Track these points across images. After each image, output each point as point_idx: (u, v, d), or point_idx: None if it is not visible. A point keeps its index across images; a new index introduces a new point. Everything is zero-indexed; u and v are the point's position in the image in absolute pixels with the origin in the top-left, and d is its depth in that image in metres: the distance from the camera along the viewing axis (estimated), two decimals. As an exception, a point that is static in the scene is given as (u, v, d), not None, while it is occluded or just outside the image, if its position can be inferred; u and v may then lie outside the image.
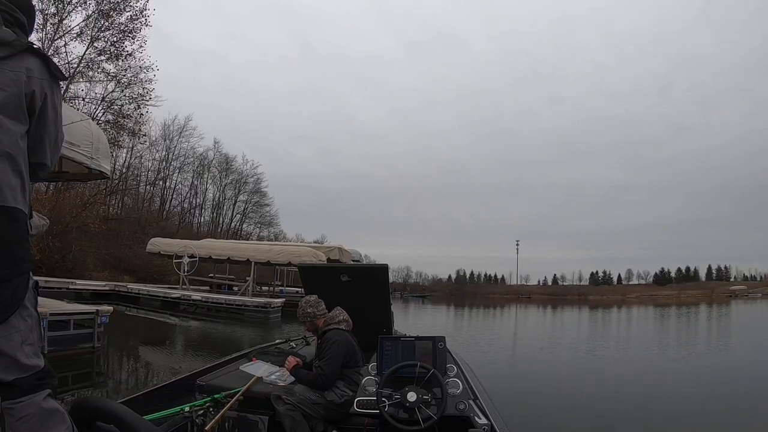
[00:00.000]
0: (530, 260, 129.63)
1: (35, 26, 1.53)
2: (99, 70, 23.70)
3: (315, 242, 38.57)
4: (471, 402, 2.47)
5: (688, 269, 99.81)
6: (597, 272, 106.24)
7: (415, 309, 34.41)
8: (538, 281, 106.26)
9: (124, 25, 22.97)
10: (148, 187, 37.51)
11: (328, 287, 3.60)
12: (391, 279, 4.07)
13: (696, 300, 62.40)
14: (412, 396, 2.35)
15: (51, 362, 1.34)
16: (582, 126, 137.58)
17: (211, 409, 2.65)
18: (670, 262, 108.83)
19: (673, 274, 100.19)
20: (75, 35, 22.15)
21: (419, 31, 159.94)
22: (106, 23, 22.69)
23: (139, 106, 25.10)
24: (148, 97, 24.97)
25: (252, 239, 40.19)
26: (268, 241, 36.44)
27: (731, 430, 5.35)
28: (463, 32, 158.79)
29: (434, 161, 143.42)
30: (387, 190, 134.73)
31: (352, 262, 18.20)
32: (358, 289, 3.70)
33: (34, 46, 1.29)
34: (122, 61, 23.67)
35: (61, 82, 1.39)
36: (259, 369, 3.26)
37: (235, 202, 47.75)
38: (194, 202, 44.32)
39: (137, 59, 23.87)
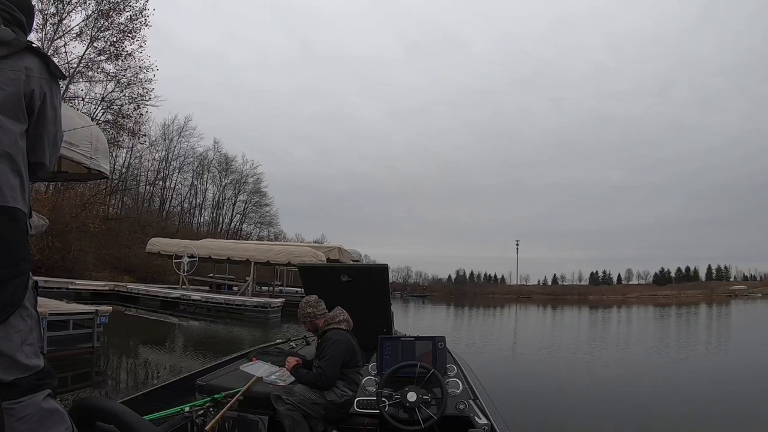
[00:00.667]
0: (530, 260, 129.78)
1: (34, 26, 1.53)
2: (99, 70, 23.73)
3: (315, 242, 38.51)
4: (471, 402, 2.46)
5: (688, 269, 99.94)
6: (597, 272, 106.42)
7: (415, 309, 34.41)
8: (538, 281, 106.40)
9: (123, 25, 23.00)
10: (147, 187, 37.55)
11: (328, 287, 3.60)
12: (391, 279, 4.07)
13: (696, 300, 62.42)
14: (412, 396, 2.35)
15: (50, 362, 1.34)
16: (582, 126, 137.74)
17: (211, 409, 2.65)
18: (670, 262, 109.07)
19: (673, 274, 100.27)
20: (74, 35, 22.17)
21: (419, 31, 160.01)
22: (106, 23, 22.70)
23: (138, 106, 25.13)
24: (147, 97, 25.00)
25: (252, 239, 40.17)
26: (267, 241, 36.43)
27: (731, 430, 5.35)
28: (463, 32, 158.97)
29: (434, 161, 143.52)
30: (387, 190, 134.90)
31: (351, 262, 18.21)
32: (358, 289, 3.70)
33: (34, 46, 1.29)
34: (122, 61, 23.70)
35: (60, 82, 1.38)
36: (259, 369, 3.26)
37: (235, 202, 47.85)
38: (194, 202, 44.41)
39: (137, 59, 23.91)
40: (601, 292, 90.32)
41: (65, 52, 21.94)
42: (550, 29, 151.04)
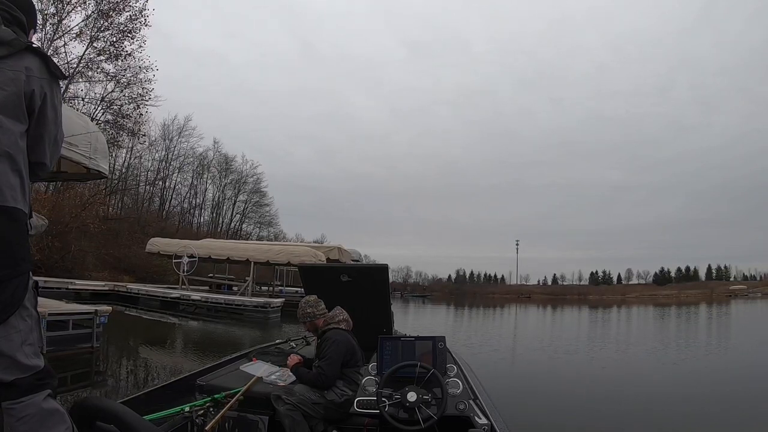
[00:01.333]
0: (530, 260, 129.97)
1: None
2: (98, 70, 23.76)
3: (315, 242, 38.55)
4: (471, 402, 2.46)
5: (688, 269, 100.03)
6: (597, 272, 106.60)
7: (415, 309, 34.40)
8: (538, 281, 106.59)
9: (123, 25, 23.03)
10: (147, 187, 37.54)
11: (328, 287, 3.60)
12: (391, 279, 4.06)
13: (696, 300, 62.44)
14: (412, 396, 2.34)
15: (49, 362, 1.33)
16: (582, 126, 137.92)
17: (211, 409, 2.65)
18: (670, 261, 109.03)
19: (673, 274, 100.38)
20: (74, 35, 22.20)
21: (420, 31, 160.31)
22: (106, 23, 22.72)
23: (138, 106, 25.14)
24: (147, 97, 25.02)
25: (252, 239, 40.15)
26: (267, 241, 36.43)
27: (731, 430, 5.35)
28: (463, 32, 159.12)
29: (434, 161, 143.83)
30: (387, 190, 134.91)
31: (351, 262, 18.20)
32: (358, 289, 3.70)
33: (34, 46, 1.29)
34: (122, 61, 23.72)
35: (60, 82, 1.38)
36: (259, 369, 3.26)
37: (235, 202, 47.84)
38: (194, 202, 44.40)
39: (137, 59, 23.93)
40: (601, 292, 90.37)
41: (65, 52, 22.00)
42: (550, 29, 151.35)
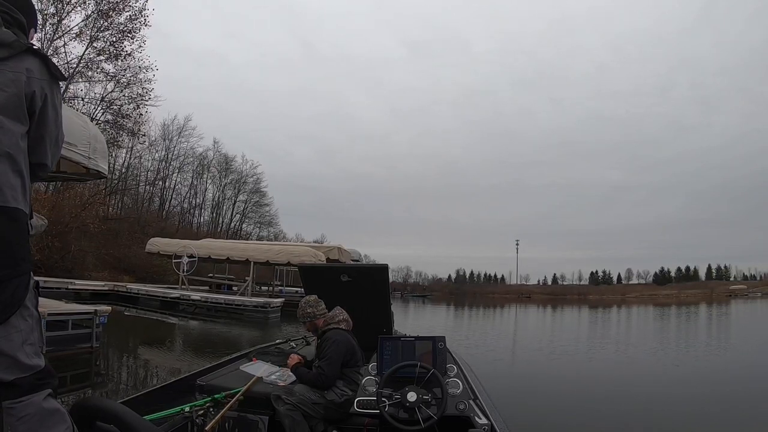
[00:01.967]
0: (530, 260, 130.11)
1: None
2: (98, 70, 23.78)
3: (315, 242, 38.54)
4: (471, 402, 2.46)
5: (687, 269, 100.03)
6: (597, 272, 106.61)
7: (415, 309, 34.41)
8: (538, 281, 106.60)
9: (123, 25, 23.04)
10: (147, 187, 37.56)
11: (328, 287, 3.60)
12: (391, 279, 4.06)
13: (696, 299, 62.45)
14: (412, 396, 2.35)
15: (48, 362, 1.34)
16: (582, 126, 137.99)
17: (211, 409, 2.65)
18: (670, 261, 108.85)
19: (673, 274, 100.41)
20: (74, 35, 22.21)
21: (420, 31, 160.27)
22: (105, 23, 22.72)
23: (138, 106, 25.14)
24: (147, 97, 25.02)
25: (252, 239, 40.15)
26: (267, 241, 36.43)
27: (731, 430, 5.36)
28: (463, 32, 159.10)
29: (434, 161, 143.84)
30: (387, 190, 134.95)
31: (351, 262, 18.20)
32: (358, 289, 3.70)
33: (34, 47, 1.30)
34: (121, 61, 23.72)
35: (60, 83, 1.39)
36: (259, 369, 3.26)
37: (235, 201, 47.85)
38: (194, 202, 44.40)
39: (136, 59, 23.93)
40: (601, 291, 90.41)
41: (65, 52, 22.01)
42: (550, 29, 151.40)
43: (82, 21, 22.20)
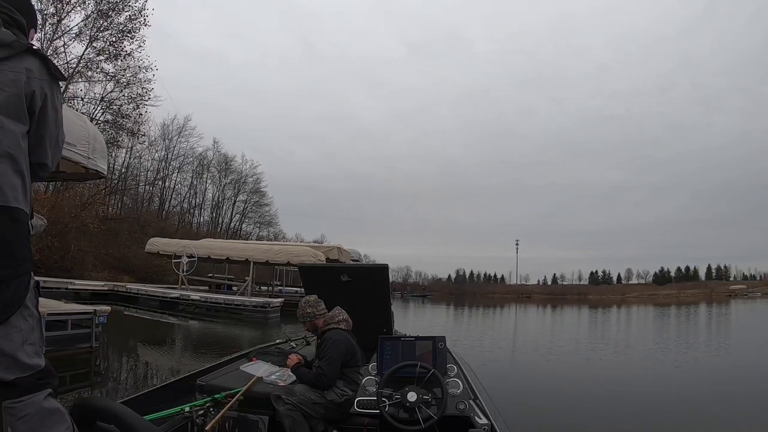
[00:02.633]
0: (530, 260, 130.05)
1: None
2: (98, 70, 23.76)
3: (314, 242, 38.53)
4: (471, 402, 2.46)
5: (687, 269, 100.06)
6: (597, 272, 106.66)
7: (415, 309, 34.40)
8: (538, 281, 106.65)
9: (122, 25, 23.04)
10: (147, 187, 37.52)
11: (328, 287, 3.60)
12: (391, 279, 4.06)
13: (696, 299, 62.47)
14: (412, 396, 2.35)
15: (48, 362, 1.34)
16: (582, 126, 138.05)
17: (211, 409, 2.65)
18: (669, 261, 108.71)
19: (672, 274, 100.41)
20: (74, 35, 22.22)
21: (421, 31, 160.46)
22: (105, 23, 22.71)
23: (138, 106, 25.13)
24: (147, 97, 25.01)
25: (251, 239, 40.11)
26: (267, 240, 36.40)
27: (731, 430, 5.36)
28: (464, 32, 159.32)
29: (434, 161, 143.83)
30: (387, 190, 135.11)
31: (351, 262, 18.19)
32: (358, 289, 3.69)
33: (34, 47, 1.30)
34: (121, 61, 23.71)
35: (60, 83, 1.39)
36: (259, 369, 3.26)
37: (235, 201, 47.78)
38: (193, 201, 44.32)
39: (136, 59, 23.92)
40: (600, 291, 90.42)
41: (64, 52, 21.99)
42: (551, 29, 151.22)
43: (82, 21, 22.23)
